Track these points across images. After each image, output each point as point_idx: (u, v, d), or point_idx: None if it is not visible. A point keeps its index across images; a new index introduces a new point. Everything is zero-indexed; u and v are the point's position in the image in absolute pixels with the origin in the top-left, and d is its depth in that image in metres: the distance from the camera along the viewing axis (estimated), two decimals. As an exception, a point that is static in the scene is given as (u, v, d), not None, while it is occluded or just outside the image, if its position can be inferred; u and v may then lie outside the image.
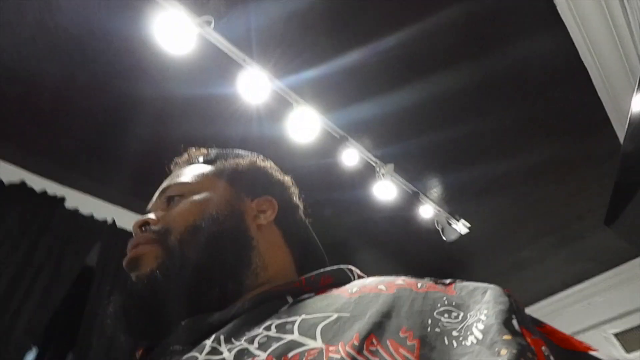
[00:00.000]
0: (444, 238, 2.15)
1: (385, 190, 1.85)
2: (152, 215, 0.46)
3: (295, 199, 0.56)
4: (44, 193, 1.65)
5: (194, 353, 0.29)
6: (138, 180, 1.81)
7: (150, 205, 0.50)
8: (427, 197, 2.13)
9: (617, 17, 1.53)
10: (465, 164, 2.03)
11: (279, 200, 0.52)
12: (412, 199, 2.09)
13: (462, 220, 2.28)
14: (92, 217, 1.76)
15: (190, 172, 0.51)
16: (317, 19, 1.43)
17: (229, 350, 0.28)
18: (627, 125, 1.42)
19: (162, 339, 0.36)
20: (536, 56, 1.61)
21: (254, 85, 1.39)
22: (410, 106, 1.73)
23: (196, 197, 0.46)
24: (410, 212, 2.13)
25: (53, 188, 1.73)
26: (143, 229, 0.45)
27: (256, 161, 0.56)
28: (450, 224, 2.17)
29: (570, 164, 2.09)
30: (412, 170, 2.02)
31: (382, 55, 1.54)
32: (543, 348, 0.23)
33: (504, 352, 0.22)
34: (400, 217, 2.18)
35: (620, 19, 1.53)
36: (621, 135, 1.91)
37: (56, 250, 1.53)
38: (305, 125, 1.54)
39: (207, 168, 0.52)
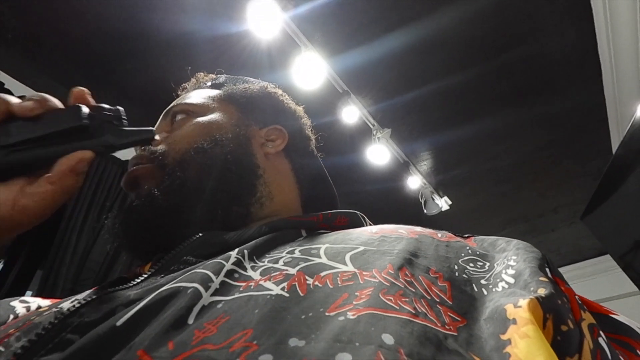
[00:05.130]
0: (425, 211, 2.20)
1: (379, 154, 1.84)
2: (155, 136, 0.44)
3: (307, 131, 0.53)
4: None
5: (219, 260, 0.27)
6: (133, 106, 1.73)
7: (155, 127, 0.48)
8: (417, 168, 2.14)
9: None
10: (457, 144, 2.04)
11: (290, 130, 0.49)
12: (401, 169, 2.09)
13: (445, 197, 2.32)
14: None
15: (197, 94, 0.49)
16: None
17: (253, 269, 0.27)
18: (627, 129, 1.45)
19: (163, 253, 0.34)
20: (555, 49, 1.59)
21: (263, 17, 1.31)
22: (415, 77, 1.69)
23: (201, 118, 0.44)
24: (396, 180, 2.15)
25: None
26: (144, 148, 0.43)
27: (267, 87, 0.52)
28: (433, 199, 2.21)
29: (557, 156, 2.13)
30: (407, 140, 2.01)
31: (401, 18, 1.47)
32: (576, 297, 0.24)
33: (541, 290, 0.21)
34: (386, 183, 2.19)
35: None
36: (615, 138, 1.95)
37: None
38: (310, 71, 1.48)
39: (214, 91, 0.50)
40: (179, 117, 0.45)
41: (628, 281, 1.56)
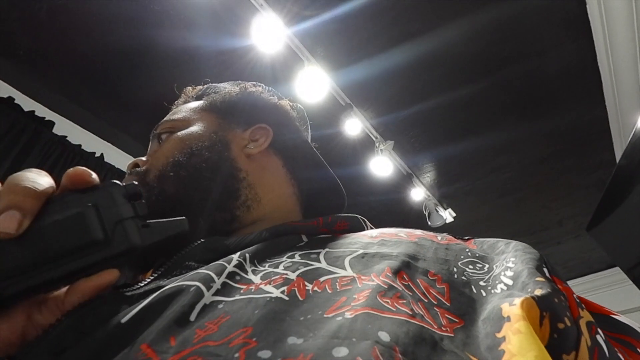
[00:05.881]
0: (429, 223, 2.19)
1: (382, 166, 1.85)
2: (143, 158, 0.45)
3: (295, 123, 0.51)
4: (32, 113, 1.57)
5: (221, 262, 0.28)
6: (139, 121, 1.76)
7: (148, 149, 0.49)
8: (420, 180, 2.14)
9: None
10: (460, 156, 2.04)
11: (274, 126, 0.48)
12: (404, 180, 2.09)
13: (449, 209, 2.31)
14: (80, 146, 1.70)
15: (180, 109, 0.49)
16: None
17: (254, 272, 0.27)
18: (629, 139, 1.44)
19: (165, 259, 0.34)
20: (555, 63, 1.61)
21: (267, 32, 1.34)
22: (416, 90, 1.71)
23: (180, 132, 0.44)
24: (400, 192, 2.15)
25: (43, 112, 1.66)
26: (131, 172, 0.44)
27: (247, 88, 0.51)
28: (437, 211, 2.20)
29: (560, 168, 2.12)
30: (410, 152, 2.02)
31: (402, 35, 1.49)
32: (574, 295, 0.24)
33: (538, 291, 0.21)
34: (389, 195, 2.19)
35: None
36: (618, 149, 1.95)
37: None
38: (313, 85, 1.50)
39: (197, 103, 0.50)
40: (163, 136, 0.46)
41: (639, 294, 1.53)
